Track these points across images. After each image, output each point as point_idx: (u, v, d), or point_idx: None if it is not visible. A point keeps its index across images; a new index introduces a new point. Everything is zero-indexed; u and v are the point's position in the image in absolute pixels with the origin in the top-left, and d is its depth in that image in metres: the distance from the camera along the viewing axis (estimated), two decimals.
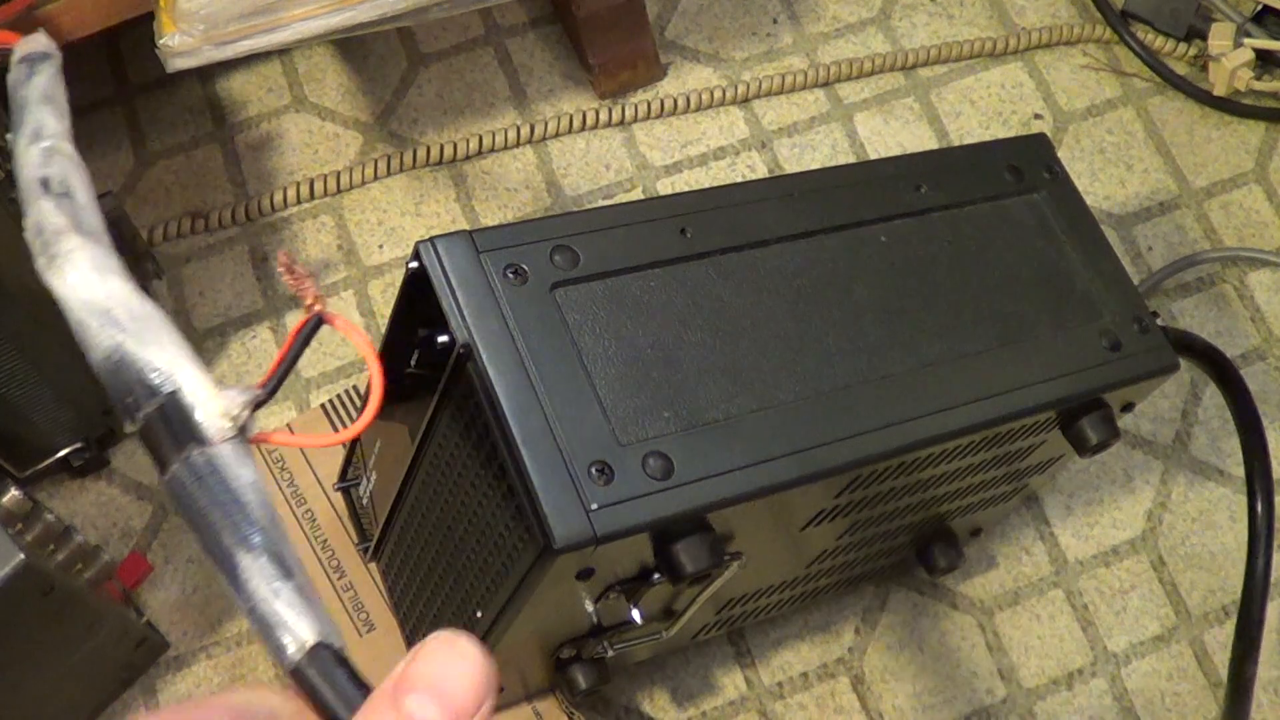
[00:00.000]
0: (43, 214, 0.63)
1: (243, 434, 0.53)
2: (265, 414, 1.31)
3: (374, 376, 0.59)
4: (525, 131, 1.45)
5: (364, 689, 0.46)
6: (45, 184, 0.66)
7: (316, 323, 0.60)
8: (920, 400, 0.91)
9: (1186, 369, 1.29)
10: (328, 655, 0.47)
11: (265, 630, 0.48)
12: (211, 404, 0.53)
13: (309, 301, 0.59)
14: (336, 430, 1.26)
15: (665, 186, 1.45)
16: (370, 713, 0.44)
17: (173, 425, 0.53)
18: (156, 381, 0.54)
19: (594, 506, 0.79)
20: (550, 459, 0.80)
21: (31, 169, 0.67)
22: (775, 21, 1.56)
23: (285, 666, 0.47)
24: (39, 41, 0.81)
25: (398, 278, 1.37)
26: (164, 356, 0.54)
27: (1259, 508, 1.13)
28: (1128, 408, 1.04)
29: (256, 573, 0.49)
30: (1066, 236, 1.03)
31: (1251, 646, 1.14)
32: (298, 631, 0.47)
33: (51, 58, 0.79)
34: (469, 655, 0.45)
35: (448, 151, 1.43)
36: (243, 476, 0.52)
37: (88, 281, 0.58)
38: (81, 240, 0.61)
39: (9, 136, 0.72)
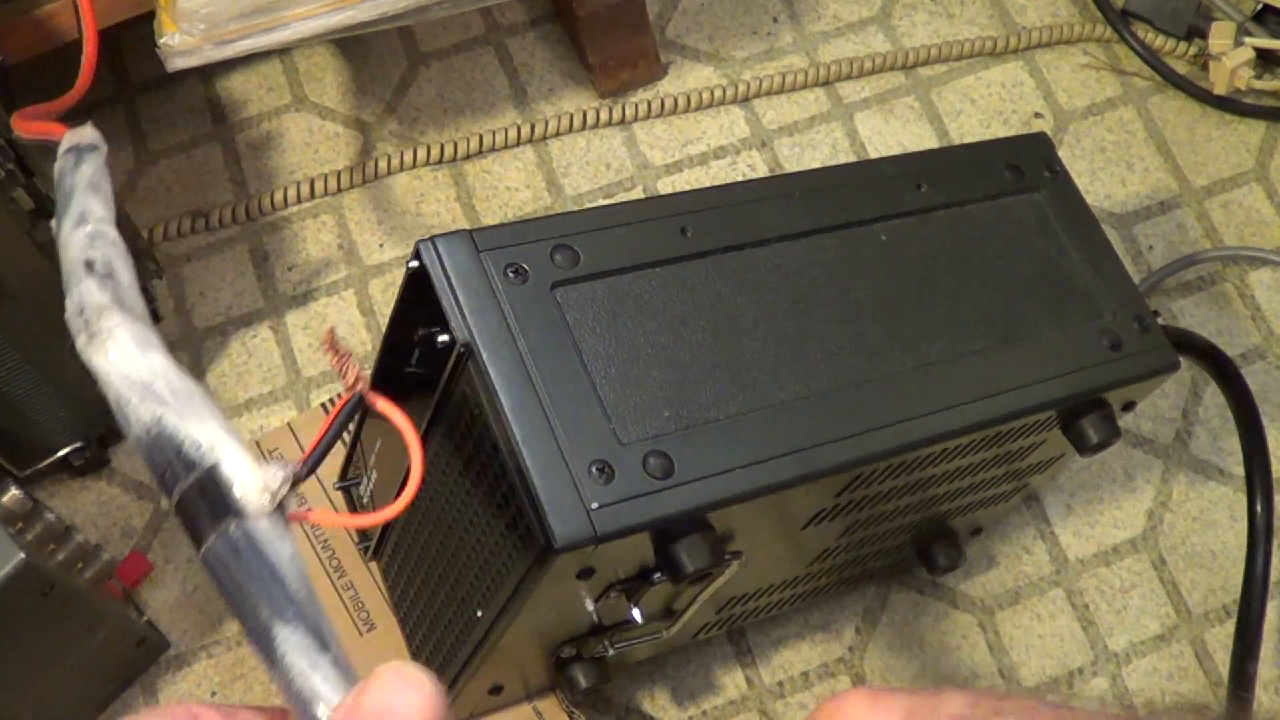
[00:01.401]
0: (86, 293, 0.64)
1: (280, 510, 0.53)
2: (266, 412, 1.31)
3: (415, 461, 0.59)
4: (525, 130, 1.45)
5: None
6: (90, 265, 0.66)
7: (358, 401, 0.60)
8: (921, 399, 0.91)
9: (1187, 368, 1.29)
10: None
11: (301, 705, 0.48)
12: (250, 479, 0.53)
13: (350, 381, 0.59)
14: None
15: (666, 186, 1.45)
16: None
17: (210, 499, 0.53)
18: (195, 455, 0.54)
19: (594, 506, 0.79)
20: (550, 458, 0.80)
21: (77, 251, 0.68)
22: (775, 20, 1.56)
23: None
24: (86, 134, 0.82)
25: (398, 277, 1.37)
26: (204, 430, 0.55)
27: (1258, 507, 1.13)
28: (1128, 407, 1.04)
29: (294, 647, 0.49)
30: (1067, 235, 1.03)
31: (1251, 646, 1.14)
32: (334, 704, 0.47)
33: (98, 149, 0.80)
34: (418, 684, 0.45)
35: (448, 151, 1.43)
36: (281, 551, 0.52)
37: (129, 356, 0.59)
38: (123, 317, 0.62)
39: (53, 223, 0.73)
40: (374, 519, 0.62)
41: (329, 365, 0.64)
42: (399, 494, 0.62)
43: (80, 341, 0.62)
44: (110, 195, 0.76)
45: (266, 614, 0.50)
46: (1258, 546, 1.14)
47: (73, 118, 0.97)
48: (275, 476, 0.53)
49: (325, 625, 0.50)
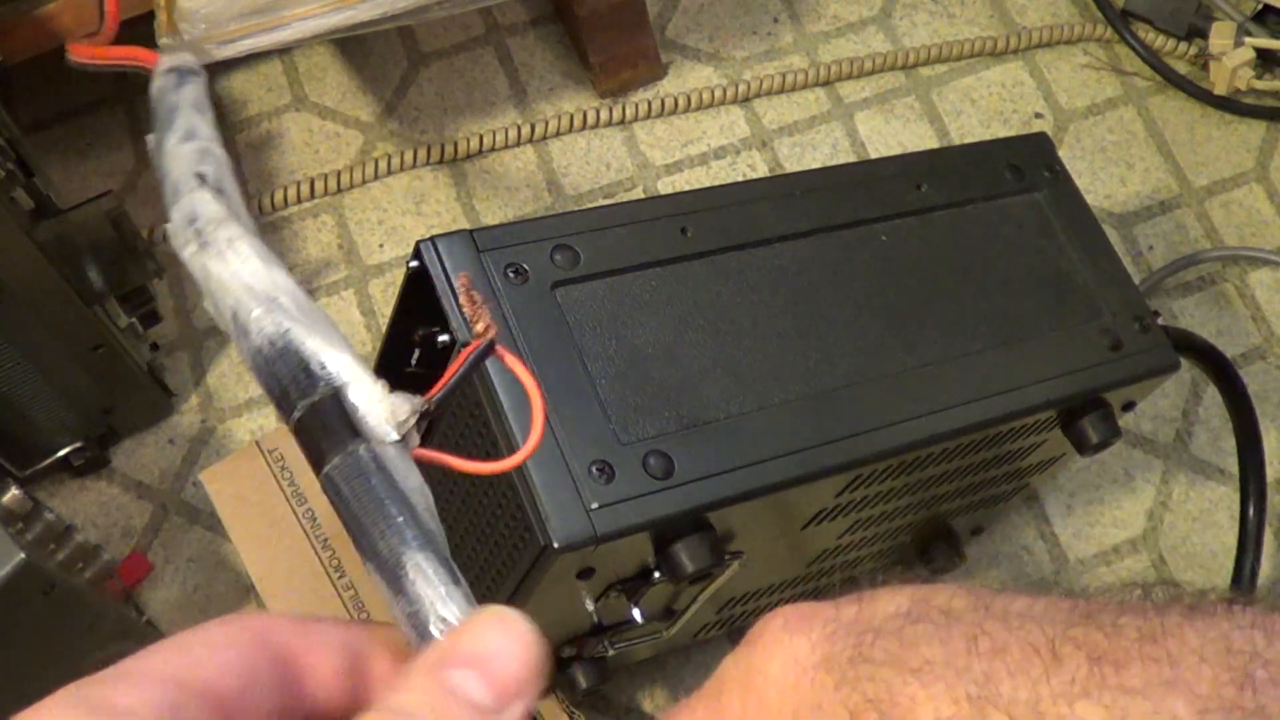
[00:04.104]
0: (200, 203, 0.62)
1: (405, 442, 0.52)
2: (266, 412, 1.31)
3: (536, 408, 0.59)
4: (526, 130, 1.45)
5: None
6: (202, 178, 0.64)
7: (489, 345, 0.60)
8: (921, 399, 0.92)
9: (1188, 368, 1.29)
10: None
11: (428, 637, 0.46)
12: (379, 406, 0.52)
13: (482, 328, 0.59)
14: None
15: (666, 186, 1.45)
16: (409, 685, 0.42)
17: (335, 419, 0.51)
18: (322, 374, 0.52)
19: (594, 506, 0.79)
20: (550, 458, 0.80)
21: (187, 163, 0.66)
22: (776, 20, 1.56)
23: None
24: (188, 59, 0.80)
25: (398, 277, 1.37)
26: (333, 351, 0.53)
27: (1250, 511, 1.13)
28: (1128, 407, 1.04)
29: (426, 577, 0.47)
30: (1067, 235, 1.03)
31: None
32: None
33: (200, 75, 0.78)
34: (521, 635, 0.43)
35: (448, 150, 1.43)
36: (410, 479, 0.50)
37: (253, 268, 0.57)
38: (242, 230, 0.60)
39: (150, 137, 0.72)
40: (499, 466, 0.61)
41: (463, 307, 0.64)
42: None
43: (189, 250, 0.59)
44: (214, 121, 0.74)
45: (396, 540, 0.48)
46: (1247, 551, 1.15)
47: (70, 121, 0.97)
48: (403, 407, 0.52)
49: (452, 564, 0.48)
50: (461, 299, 0.58)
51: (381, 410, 0.52)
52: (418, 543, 0.47)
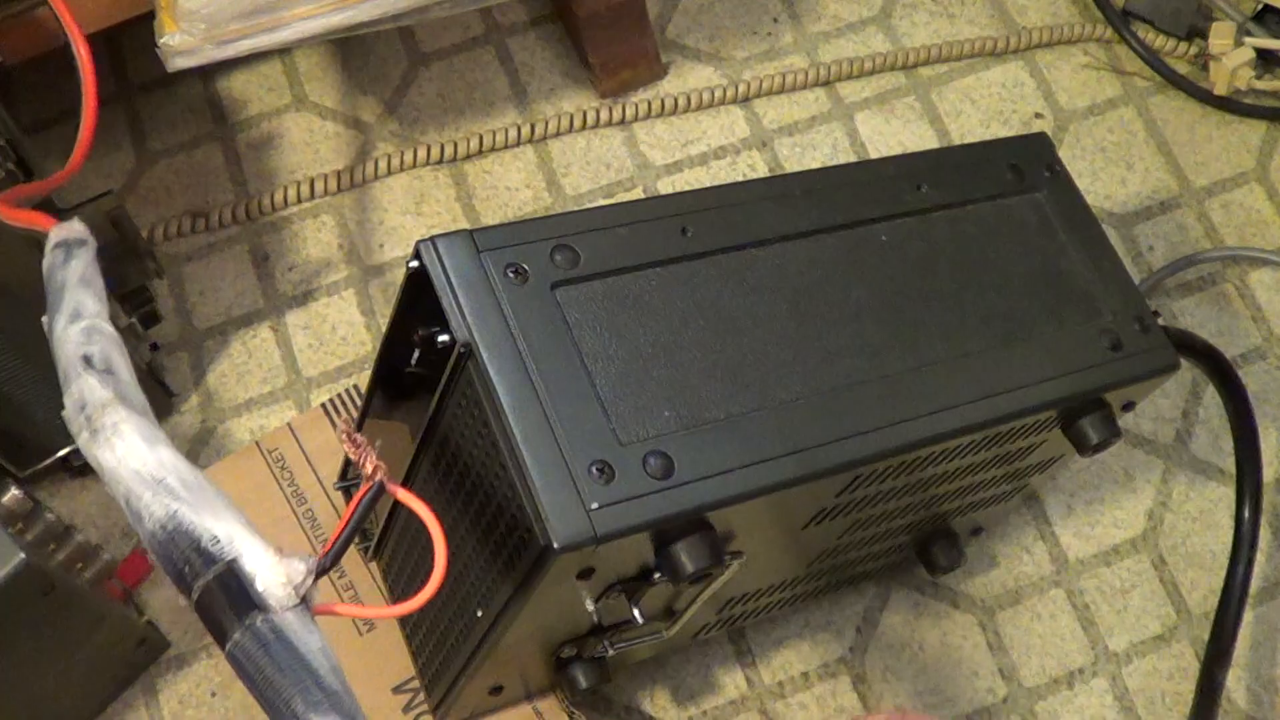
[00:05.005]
0: (87, 389, 0.63)
1: (305, 603, 0.53)
2: (266, 412, 1.31)
3: (439, 553, 0.59)
4: (526, 131, 1.45)
5: None
6: (88, 360, 0.65)
7: (378, 490, 0.60)
8: (921, 399, 0.91)
9: (1188, 368, 1.29)
10: None
11: None
12: (273, 572, 0.52)
13: (369, 470, 0.59)
14: (339, 426, 1.26)
15: (666, 186, 1.45)
16: None
17: (233, 594, 0.52)
18: (214, 549, 0.53)
19: (594, 506, 0.79)
20: (550, 458, 0.80)
21: (73, 346, 0.67)
22: (776, 20, 1.56)
23: None
24: (74, 228, 0.81)
25: (398, 277, 1.37)
26: (220, 524, 0.54)
27: (1245, 513, 1.13)
28: (1128, 407, 1.04)
29: None
30: (1067, 235, 1.03)
31: (1224, 652, 1.15)
32: None
33: (87, 244, 0.79)
34: None
35: (448, 151, 1.43)
36: (310, 642, 0.50)
37: (138, 452, 0.58)
38: (127, 412, 0.61)
39: (44, 319, 0.73)
40: (396, 610, 0.62)
41: (347, 452, 0.65)
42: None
43: (83, 439, 0.61)
44: (102, 289, 0.75)
45: (301, 708, 0.49)
46: (1240, 553, 1.15)
47: (71, 120, 0.97)
48: (298, 570, 0.52)
49: (360, 716, 0.49)
50: (345, 444, 0.59)
51: (276, 576, 0.52)
52: (320, 709, 0.48)
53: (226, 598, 0.52)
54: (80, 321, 0.69)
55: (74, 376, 0.65)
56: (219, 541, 0.53)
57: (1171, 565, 1.32)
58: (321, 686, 0.49)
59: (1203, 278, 1.46)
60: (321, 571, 0.54)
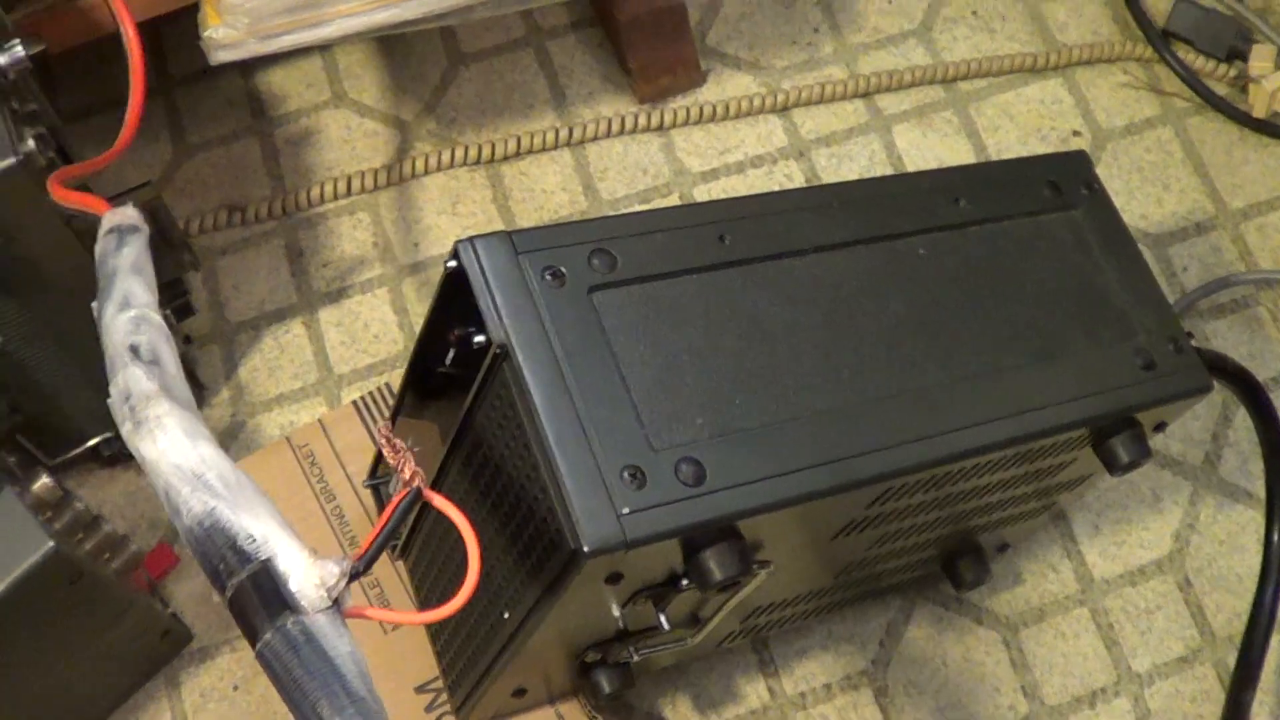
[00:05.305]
0: (132, 379, 0.63)
1: (337, 605, 0.53)
2: (296, 407, 1.31)
3: (472, 561, 0.59)
4: (563, 134, 1.45)
5: None
6: (135, 350, 0.66)
7: (416, 495, 0.60)
8: (954, 414, 0.91)
9: (1218, 391, 1.29)
10: None
11: None
12: (307, 574, 0.52)
13: (407, 476, 0.59)
14: (373, 423, 1.26)
15: (702, 193, 1.45)
16: None
17: (266, 594, 0.52)
18: (250, 549, 0.53)
19: (625, 511, 0.79)
20: (583, 462, 0.80)
21: (121, 335, 0.67)
22: (816, 31, 1.56)
23: None
24: (128, 214, 0.81)
25: (432, 276, 1.37)
26: (258, 524, 0.54)
27: (1276, 537, 1.13)
28: (1160, 427, 1.04)
29: None
30: (1103, 254, 1.03)
31: (1251, 676, 1.14)
32: None
33: (140, 231, 0.80)
34: None
35: (485, 152, 1.44)
36: (340, 646, 0.51)
37: (180, 446, 0.58)
38: (171, 405, 0.61)
39: (94, 304, 0.73)
40: (426, 617, 0.62)
41: (386, 456, 0.65)
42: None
43: (126, 430, 0.62)
44: (153, 278, 0.75)
45: (327, 712, 0.49)
46: (1270, 576, 1.14)
47: (111, 110, 0.98)
48: (331, 573, 0.53)
49: None
50: (385, 449, 0.59)
51: (310, 578, 0.53)
52: (347, 715, 0.49)
53: (259, 597, 0.52)
54: (129, 310, 0.70)
55: (120, 366, 0.65)
56: (255, 541, 0.54)
57: (1197, 587, 1.31)
58: (348, 691, 0.50)
59: (1236, 300, 1.45)
60: (355, 575, 0.54)
